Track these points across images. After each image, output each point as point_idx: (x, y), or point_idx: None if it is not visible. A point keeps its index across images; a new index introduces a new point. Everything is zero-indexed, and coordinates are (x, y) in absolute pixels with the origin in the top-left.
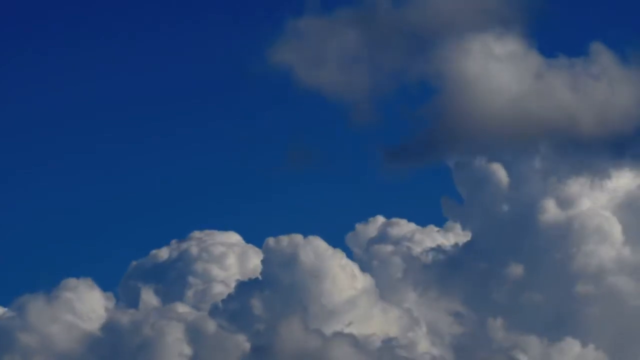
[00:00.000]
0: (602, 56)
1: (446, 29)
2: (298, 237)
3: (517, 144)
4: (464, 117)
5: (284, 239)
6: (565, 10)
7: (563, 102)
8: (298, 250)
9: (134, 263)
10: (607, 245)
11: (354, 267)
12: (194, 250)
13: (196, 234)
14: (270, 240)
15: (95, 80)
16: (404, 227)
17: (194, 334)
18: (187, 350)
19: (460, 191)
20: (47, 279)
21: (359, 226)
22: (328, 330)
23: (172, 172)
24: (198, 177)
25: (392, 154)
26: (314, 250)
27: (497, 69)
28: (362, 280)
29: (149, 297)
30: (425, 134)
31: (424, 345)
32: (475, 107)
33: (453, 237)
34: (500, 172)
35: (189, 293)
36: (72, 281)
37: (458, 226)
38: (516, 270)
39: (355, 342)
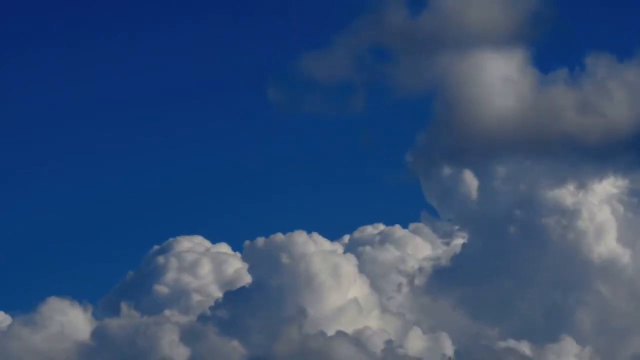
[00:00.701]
0: (598, 67)
1: (445, 45)
2: (279, 236)
3: (511, 152)
4: (461, 128)
5: (265, 241)
6: (560, 24)
7: (560, 112)
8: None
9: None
10: (600, 249)
11: (351, 266)
12: (173, 259)
13: (178, 240)
14: (256, 242)
15: (95, 80)
16: (398, 232)
17: (187, 340)
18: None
19: (430, 202)
20: (28, 298)
21: (353, 231)
22: (328, 331)
23: (159, 175)
24: (181, 183)
25: (391, 163)
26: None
27: (495, 83)
28: (360, 282)
29: (130, 312)
30: (423, 144)
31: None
32: (472, 119)
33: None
34: (489, 179)
35: (177, 301)
36: (53, 300)
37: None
38: (507, 278)
39: (356, 342)
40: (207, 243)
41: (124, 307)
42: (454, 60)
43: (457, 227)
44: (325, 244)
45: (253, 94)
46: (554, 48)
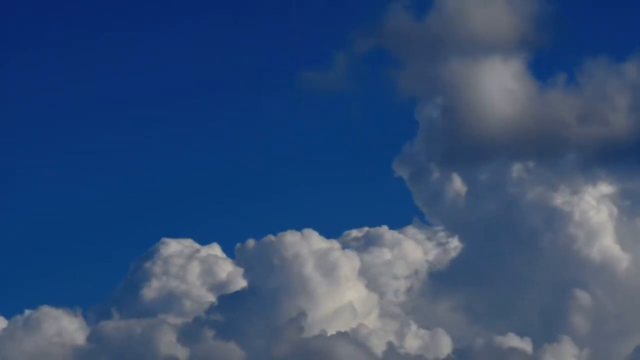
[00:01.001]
0: (597, 71)
1: (446, 49)
2: (271, 238)
3: (509, 156)
4: (462, 131)
5: (257, 243)
6: (560, 28)
7: (558, 116)
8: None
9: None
10: (596, 251)
11: (349, 265)
12: (161, 264)
13: (167, 243)
14: (247, 244)
15: (95, 80)
16: (389, 235)
17: (185, 342)
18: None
19: (417, 204)
20: (23, 301)
21: (346, 234)
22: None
23: (153, 178)
24: (174, 186)
25: (387, 166)
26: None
27: (495, 88)
28: (357, 283)
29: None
30: (421, 148)
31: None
32: (470, 124)
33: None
34: (489, 182)
35: (172, 305)
36: (45, 308)
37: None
38: (505, 280)
39: (356, 342)
40: (197, 245)
41: (115, 313)
42: (453, 65)
43: (448, 232)
44: (321, 242)
45: (249, 94)
46: (554, 53)
